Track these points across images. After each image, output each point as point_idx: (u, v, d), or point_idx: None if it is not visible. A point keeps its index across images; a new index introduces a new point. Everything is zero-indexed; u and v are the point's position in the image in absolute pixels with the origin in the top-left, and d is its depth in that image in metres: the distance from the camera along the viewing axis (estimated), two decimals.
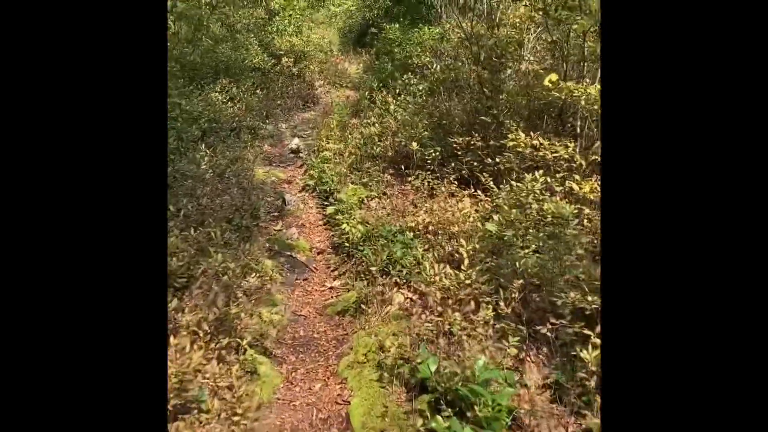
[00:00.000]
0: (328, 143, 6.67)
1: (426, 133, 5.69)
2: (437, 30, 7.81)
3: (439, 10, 9.12)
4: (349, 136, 6.70)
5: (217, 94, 7.87)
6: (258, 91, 9.19)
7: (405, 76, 7.83)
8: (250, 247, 4.41)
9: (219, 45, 8.59)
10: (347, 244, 4.51)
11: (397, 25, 9.62)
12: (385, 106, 7.32)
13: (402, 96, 7.41)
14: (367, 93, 7.84)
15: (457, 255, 3.95)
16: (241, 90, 8.47)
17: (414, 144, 5.50)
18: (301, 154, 7.52)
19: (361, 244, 4.39)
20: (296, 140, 7.81)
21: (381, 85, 8.33)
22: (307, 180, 6.32)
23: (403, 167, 5.81)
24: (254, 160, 6.38)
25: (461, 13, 6.44)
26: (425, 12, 9.83)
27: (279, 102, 9.68)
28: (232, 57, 8.64)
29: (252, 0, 10.93)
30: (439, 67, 7.22)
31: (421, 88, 7.05)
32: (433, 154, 5.48)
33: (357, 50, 15.56)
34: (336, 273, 4.42)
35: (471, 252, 3.79)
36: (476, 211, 4.50)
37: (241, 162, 6.17)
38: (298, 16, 12.79)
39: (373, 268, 4.00)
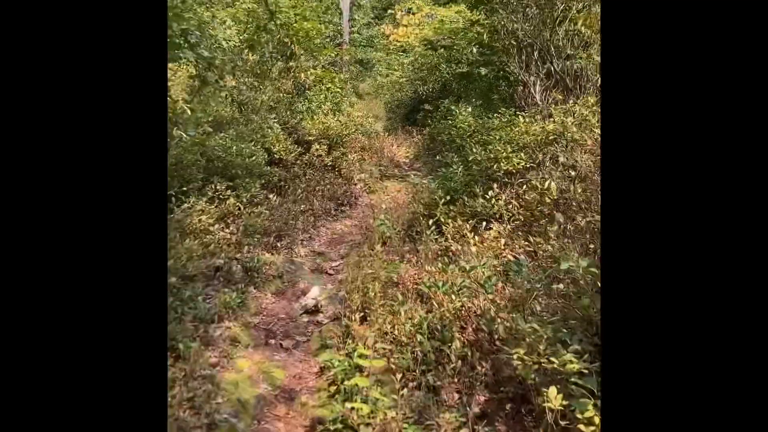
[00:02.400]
0: (364, 323, 3.75)
1: (566, 355, 2.66)
2: (552, 125, 4.88)
3: (531, 89, 6.33)
4: (402, 313, 3.75)
5: (202, 209, 5.17)
6: (272, 195, 6.51)
7: (490, 192, 4.97)
8: None
9: (216, 134, 5.98)
10: None
11: (470, 109, 6.86)
12: (462, 247, 4.40)
13: (492, 229, 4.50)
14: (429, 221, 4.94)
15: None
16: (243, 199, 5.77)
17: (553, 395, 2.48)
18: (319, 317, 4.63)
19: None
20: (315, 290, 4.94)
21: (449, 198, 5.46)
22: (322, 400, 3.37)
23: (523, 420, 2.77)
24: (222, 362, 3.49)
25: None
26: (507, 90, 7.06)
27: (302, 207, 6.99)
28: (232, 150, 6.01)
29: (278, 70, 8.53)
30: (554, 185, 4.32)
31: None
32: (589, 409, 2.45)
33: (406, 128, 13.11)
34: None
35: None
36: None
37: (204, 363, 3.31)
38: (337, 90, 10.38)
39: None
